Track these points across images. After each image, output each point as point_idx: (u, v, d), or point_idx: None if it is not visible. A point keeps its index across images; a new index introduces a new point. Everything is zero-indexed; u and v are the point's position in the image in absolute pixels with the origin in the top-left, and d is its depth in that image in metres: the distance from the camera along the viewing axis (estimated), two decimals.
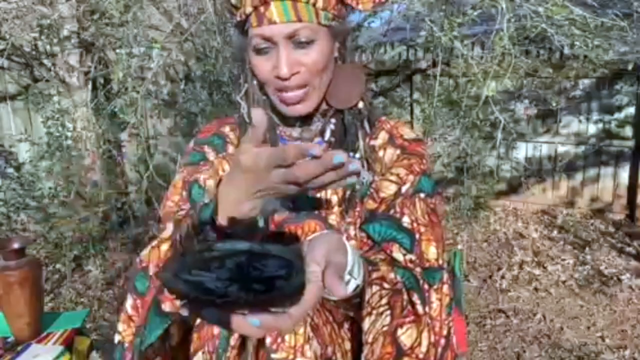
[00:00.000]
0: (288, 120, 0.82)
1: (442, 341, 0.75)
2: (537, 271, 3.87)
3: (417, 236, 0.78)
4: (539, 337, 2.99)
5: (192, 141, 0.92)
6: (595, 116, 4.85)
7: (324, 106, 0.82)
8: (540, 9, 2.41)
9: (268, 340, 0.79)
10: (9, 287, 1.53)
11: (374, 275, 0.70)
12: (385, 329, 0.69)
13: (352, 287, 0.64)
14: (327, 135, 0.82)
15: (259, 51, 0.74)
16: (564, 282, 3.69)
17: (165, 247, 0.77)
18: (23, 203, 3.72)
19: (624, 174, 4.81)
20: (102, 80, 4.01)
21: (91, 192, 3.60)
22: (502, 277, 3.79)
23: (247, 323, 0.45)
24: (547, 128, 5.06)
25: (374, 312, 0.68)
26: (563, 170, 4.95)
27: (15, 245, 1.56)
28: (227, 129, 0.89)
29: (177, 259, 0.51)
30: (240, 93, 0.82)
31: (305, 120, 0.82)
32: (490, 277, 3.80)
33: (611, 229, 4.63)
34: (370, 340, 0.69)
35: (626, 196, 4.83)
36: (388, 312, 0.69)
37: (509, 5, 2.34)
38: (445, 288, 0.78)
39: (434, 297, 0.76)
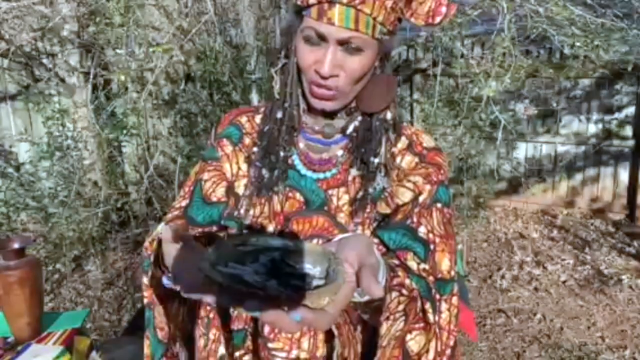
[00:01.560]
0: (313, 111, 0.83)
1: (448, 351, 0.76)
2: (537, 271, 3.87)
3: (431, 247, 0.78)
4: (539, 337, 2.99)
5: (212, 134, 0.92)
6: (595, 116, 4.85)
7: (351, 105, 0.82)
8: (541, 9, 2.41)
9: (266, 330, 0.80)
10: (9, 287, 1.53)
11: (395, 281, 0.71)
12: (399, 334, 0.70)
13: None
14: (350, 130, 0.82)
15: (308, 41, 0.74)
16: (564, 282, 3.69)
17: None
18: (23, 203, 3.71)
19: (624, 174, 4.81)
20: (102, 81, 4.01)
21: (91, 192, 3.60)
22: (502, 277, 3.79)
23: (287, 317, 0.46)
24: (547, 128, 5.06)
25: (391, 317, 0.69)
26: (563, 170, 4.95)
27: (15, 245, 1.56)
28: (244, 119, 0.89)
29: (213, 252, 0.53)
30: (276, 67, 0.82)
31: (328, 116, 0.83)
32: (490, 277, 3.80)
33: (611, 229, 4.63)
34: (384, 344, 0.69)
35: (626, 196, 4.83)
36: (403, 318, 0.70)
37: (510, 6, 2.34)
38: (455, 300, 0.79)
39: (443, 307, 0.77)
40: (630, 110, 4.68)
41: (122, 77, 2.60)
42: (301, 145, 0.84)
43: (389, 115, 0.82)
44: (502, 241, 4.49)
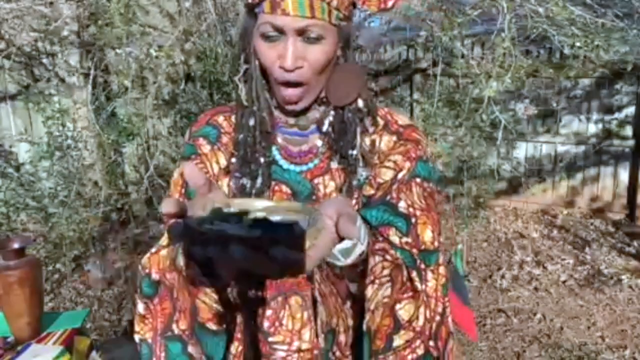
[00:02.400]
0: (285, 110, 0.83)
1: (437, 318, 0.77)
2: (537, 271, 3.87)
3: (413, 220, 0.79)
4: (539, 337, 2.99)
5: (187, 133, 0.92)
6: (595, 116, 4.85)
7: (321, 96, 0.82)
8: (541, 9, 2.41)
9: (266, 325, 0.80)
10: (9, 287, 1.53)
11: (377, 245, 0.73)
12: (386, 300, 0.71)
13: (358, 252, 0.65)
14: (326, 127, 0.83)
15: (266, 38, 0.74)
16: (564, 282, 3.69)
17: (163, 252, 0.79)
18: (23, 203, 3.71)
19: (624, 174, 4.81)
20: (102, 81, 4.01)
21: (91, 192, 3.60)
22: (502, 277, 3.79)
23: (269, 261, 0.48)
24: (547, 128, 5.06)
25: (377, 281, 0.71)
26: (563, 170, 4.95)
27: (15, 245, 1.56)
28: (220, 118, 0.89)
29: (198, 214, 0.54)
30: (239, 74, 0.82)
31: (302, 110, 0.83)
32: (490, 277, 3.80)
33: (611, 229, 4.63)
34: (372, 307, 0.71)
35: (626, 196, 4.83)
36: (389, 284, 0.71)
37: (510, 5, 2.34)
38: (442, 269, 0.80)
39: (430, 276, 0.78)
40: (630, 110, 4.68)
41: (126, 82, 2.61)
42: (279, 140, 0.84)
43: (361, 104, 0.82)
44: (502, 241, 4.49)
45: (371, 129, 0.84)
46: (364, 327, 0.72)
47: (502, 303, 3.42)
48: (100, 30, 2.79)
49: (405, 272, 0.74)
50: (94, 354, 1.79)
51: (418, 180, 0.82)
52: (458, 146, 3.23)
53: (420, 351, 0.74)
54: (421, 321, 0.74)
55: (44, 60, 4.08)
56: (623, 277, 3.68)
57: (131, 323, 3.10)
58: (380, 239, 0.76)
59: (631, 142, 4.71)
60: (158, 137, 4.06)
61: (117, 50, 2.86)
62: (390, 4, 0.78)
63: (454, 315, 2.18)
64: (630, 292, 3.49)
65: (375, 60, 4.89)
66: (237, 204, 0.58)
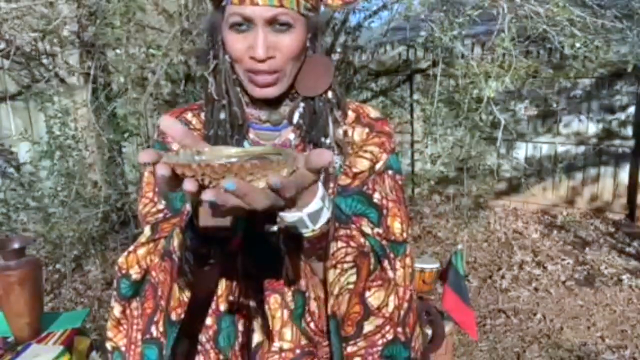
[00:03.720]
0: (257, 103, 0.83)
1: (405, 305, 0.80)
2: (537, 271, 3.87)
3: (384, 212, 0.83)
4: (539, 337, 2.99)
5: (156, 130, 0.91)
6: (595, 116, 4.85)
7: (293, 91, 0.83)
8: (541, 10, 2.41)
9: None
10: (9, 287, 1.53)
11: (342, 232, 0.74)
12: (351, 286, 0.73)
13: (324, 219, 0.67)
14: (296, 118, 0.83)
15: (235, 29, 0.74)
16: (563, 282, 3.69)
17: (142, 251, 0.78)
18: (23, 203, 3.72)
19: (624, 174, 4.81)
20: (102, 81, 4.01)
21: (91, 192, 3.60)
22: (502, 277, 3.79)
23: (256, 187, 0.50)
24: (548, 128, 5.07)
25: (339, 266, 0.73)
26: (563, 170, 4.95)
27: (15, 245, 1.56)
28: (189, 115, 0.88)
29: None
30: (208, 69, 0.82)
31: (273, 104, 0.82)
32: (490, 277, 3.80)
33: (611, 229, 4.63)
34: (335, 292, 0.73)
35: (626, 196, 4.83)
36: (354, 270, 0.73)
37: (510, 6, 2.34)
38: (408, 260, 0.84)
39: (398, 265, 0.82)
40: (631, 110, 4.68)
41: (122, 79, 2.60)
42: (251, 136, 0.84)
43: (330, 95, 0.83)
44: (502, 241, 4.49)
45: (342, 121, 0.85)
46: (329, 310, 0.74)
47: (502, 303, 3.42)
48: (100, 31, 2.79)
49: (373, 260, 0.76)
50: (94, 354, 1.79)
51: (390, 172, 0.85)
52: (457, 146, 3.23)
53: (389, 336, 0.76)
54: (391, 308, 0.76)
55: (44, 61, 4.08)
56: (623, 277, 3.68)
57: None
58: (352, 227, 0.78)
59: (631, 142, 4.71)
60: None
61: (117, 51, 2.86)
62: None
63: (455, 315, 2.18)
64: (630, 292, 3.50)
65: (375, 60, 4.88)
66: (210, 152, 0.57)
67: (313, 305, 0.79)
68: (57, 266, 3.73)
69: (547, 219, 4.96)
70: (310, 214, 0.65)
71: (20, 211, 3.69)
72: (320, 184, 0.65)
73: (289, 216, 0.65)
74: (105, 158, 3.73)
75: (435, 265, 2.33)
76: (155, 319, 0.75)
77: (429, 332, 2.21)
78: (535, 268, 3.92)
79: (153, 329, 0.75)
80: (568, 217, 4.96)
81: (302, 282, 0.78)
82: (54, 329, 1.70)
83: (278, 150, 0.59)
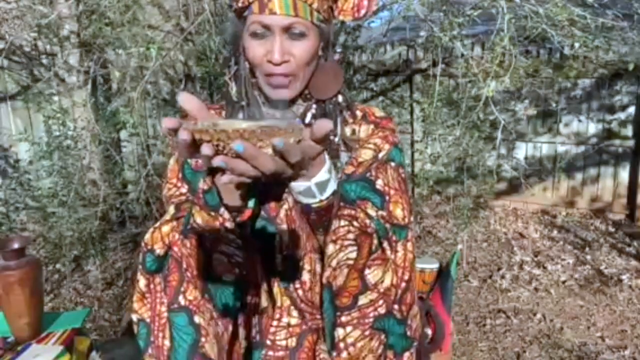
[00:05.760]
0: (273, 102, 0.89)
1: (403, 285, 0.84)
2: (537, 271, 3.87)
3: (387, 197, 0.88)
4: (539, 337, 2.99)
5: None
6: (595, 116, 4.85)
7: (306, 92, 0.90)
8: (541, 10, 2.41)
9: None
10: (9, 287, 1.53)
11: (345, 211, 0.79)
12: (350, 262, 0.78)
13: (331, 190, 0.74)
14: (309, 118, 0.90)
15: (255, 35, 0.82)
16: (564, 282, 3.69)
17: (166, 228, 0.82)
18: (23, 203, 3.72)
19: (624, 174, 4.81)
20: (101, 80, 4.01)
21: (90, 191, 3.60)
22: (502, 277, 3.79)
23: (263, 151, 0.54)
24: (548, 128, 5.06)
25: (339, 242, 0.78)
26: (563, 170, 4.95)
27: (15, 245, 1.56)
28: (211, 113, 0.94)
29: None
30: (229, 74, 0.90)
31: (288, 104, 0.90)
32: (490, 277, 3.80)
33: (611, 229, 4.63)
34: (333, 265, 0.78)
35: (626, 196, 4.83)
36: (354, 247, 0.78)
37: (509, 6, 2.34)
38: (409, 245, 0.87)
39: (400, 247, 0.86)
40: (631, 110, 4.68)
41: (117, 74, 2.60)
42: None
43: (340, 99, 0.92)
44: (502, 241, 4.49)
45: (350, 120, 0.93)
46: (324, 280, 0.79)
47: (502, 303, 3.42)
48: (101, 31, 2.79)
49: (375, 241, 0.81)
50: (94, 354, 1.79)
51: (393, 164, 0.91)
52: (456, 145, 3.23)
53: (382, 310, 0.80)
54: (386, 284, 0.80)
55: (44, 61, 4.08)
56: (623, 277, 3.68)
57: (131, 323, 3.09)
58: (357, 208, 0.82)
59: (631, 142, 4.71)
60: (158, 137, 4.06)
61: (117, 51, 2.86)
62: (362, 12, 0.89)
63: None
64: (630, 292, 3.49)
65: (375, 60, 4.89)
66: (224, 123, 0.61)
67: (306, 276, 0.83)
68: (57, 266, 3.73)
69: (547, 219, 4.96)
70: (318, 184, 0.72)
71: (20, 211, 3.69)
72: (326, 156, 0.72)
73: (297, 186, 0.71)
74: (102, 157, 3.73)
75: (435, 265, 2.33)
76: (182, 288, 0.78)
77: (429, 332, 2.20)
78: (535, 268, 3.92)
79: (181, 298, 0.78)
80: (568, 217, 4.96)
81: (299, 252, 0.82)
82: (54, 329, 1.70)
83: (288, 123, 0.63)
